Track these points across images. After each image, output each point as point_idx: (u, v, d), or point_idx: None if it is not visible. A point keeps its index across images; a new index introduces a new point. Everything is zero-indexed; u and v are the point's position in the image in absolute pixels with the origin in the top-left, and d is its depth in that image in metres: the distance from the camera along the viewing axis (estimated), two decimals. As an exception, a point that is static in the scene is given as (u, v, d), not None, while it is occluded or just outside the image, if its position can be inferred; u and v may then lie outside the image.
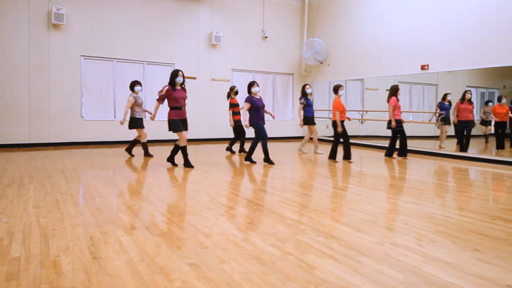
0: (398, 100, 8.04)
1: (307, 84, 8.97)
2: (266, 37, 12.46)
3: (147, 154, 7.97)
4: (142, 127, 7.89)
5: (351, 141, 8.02)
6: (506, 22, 7.64)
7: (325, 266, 2.55)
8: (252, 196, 4.72)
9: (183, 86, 6.63)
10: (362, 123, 11.22)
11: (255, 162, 7.32)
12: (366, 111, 11.22)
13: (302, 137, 13.37)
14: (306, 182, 5.85)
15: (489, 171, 7.06)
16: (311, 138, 9.25)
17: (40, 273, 2.39)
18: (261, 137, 7.12)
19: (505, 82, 9.34)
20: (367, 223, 3.58)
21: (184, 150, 6.68)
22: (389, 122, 8.17)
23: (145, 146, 8.03)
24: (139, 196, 4.65)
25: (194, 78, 11.30)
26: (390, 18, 10.16)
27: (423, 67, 9.31)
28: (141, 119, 7.91)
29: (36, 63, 9.31)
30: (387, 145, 8.56)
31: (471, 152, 8.71)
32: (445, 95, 9.35)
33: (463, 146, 8.70)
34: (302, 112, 8.77)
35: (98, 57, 10.07)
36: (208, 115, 11.63)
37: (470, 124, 8.65)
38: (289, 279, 2.35)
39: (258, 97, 7.28)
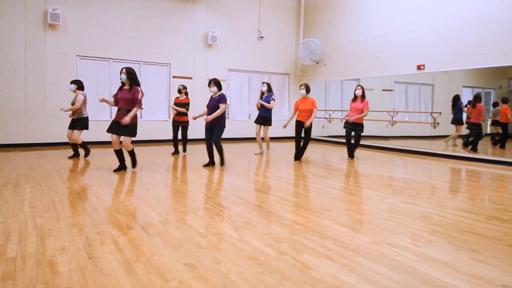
0: (353, 101, 8.08)
1: (263, 82, 8.77)
2: (262, 37, 12.46)
3: (76, 154, 7.81)
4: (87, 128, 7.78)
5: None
6: (503, 22, 7.67)
7: (321, 266, 2.55)
8: (248, 196, 4.72)
9: (134, 85, 6.00)
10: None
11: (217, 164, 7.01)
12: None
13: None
14: (302, 182, 5.86)
15: (485, 171, 7.10)
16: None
17: (36, 273, 2.38)
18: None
19: (500, 82, 9.39)
20: (363, 223, 3.59)
21: (117, 153, 6.27)
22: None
23: (78, 147, 7.84)
24: (135, 196, 4.64)
25: (190, 78, 11.28)
26: (387, 18, 10.18)
27: (419, 67, 9.34)
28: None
29: (32, 63, 9.28)
30: (382, 145, 8.58)
31: (466, 152, 8.76)
32: (458, 96, 9.36)
33: (475, 147, 8.76)
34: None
35: (94, 57, 10.05)
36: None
37: (481, 126, 8.77)
38: (285, 279, 2.35)
39: (215, 97, 6.89)
